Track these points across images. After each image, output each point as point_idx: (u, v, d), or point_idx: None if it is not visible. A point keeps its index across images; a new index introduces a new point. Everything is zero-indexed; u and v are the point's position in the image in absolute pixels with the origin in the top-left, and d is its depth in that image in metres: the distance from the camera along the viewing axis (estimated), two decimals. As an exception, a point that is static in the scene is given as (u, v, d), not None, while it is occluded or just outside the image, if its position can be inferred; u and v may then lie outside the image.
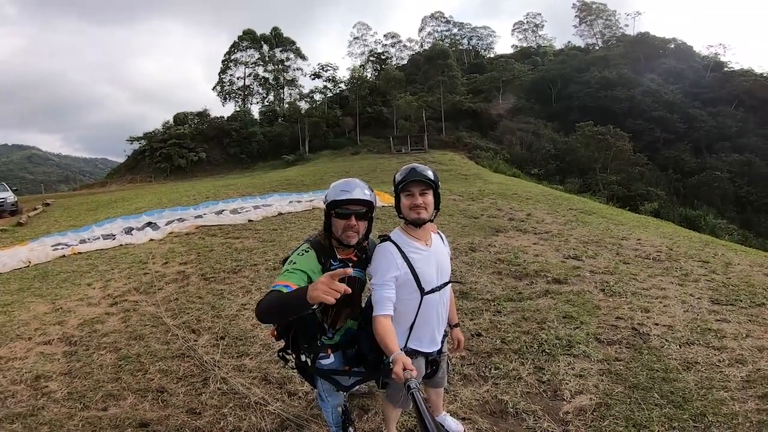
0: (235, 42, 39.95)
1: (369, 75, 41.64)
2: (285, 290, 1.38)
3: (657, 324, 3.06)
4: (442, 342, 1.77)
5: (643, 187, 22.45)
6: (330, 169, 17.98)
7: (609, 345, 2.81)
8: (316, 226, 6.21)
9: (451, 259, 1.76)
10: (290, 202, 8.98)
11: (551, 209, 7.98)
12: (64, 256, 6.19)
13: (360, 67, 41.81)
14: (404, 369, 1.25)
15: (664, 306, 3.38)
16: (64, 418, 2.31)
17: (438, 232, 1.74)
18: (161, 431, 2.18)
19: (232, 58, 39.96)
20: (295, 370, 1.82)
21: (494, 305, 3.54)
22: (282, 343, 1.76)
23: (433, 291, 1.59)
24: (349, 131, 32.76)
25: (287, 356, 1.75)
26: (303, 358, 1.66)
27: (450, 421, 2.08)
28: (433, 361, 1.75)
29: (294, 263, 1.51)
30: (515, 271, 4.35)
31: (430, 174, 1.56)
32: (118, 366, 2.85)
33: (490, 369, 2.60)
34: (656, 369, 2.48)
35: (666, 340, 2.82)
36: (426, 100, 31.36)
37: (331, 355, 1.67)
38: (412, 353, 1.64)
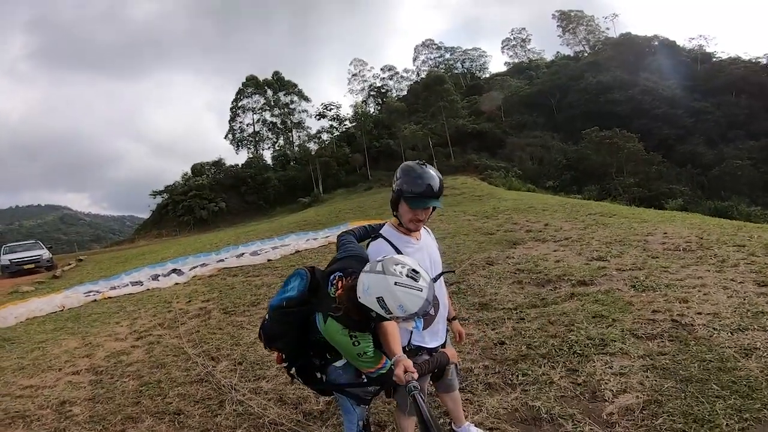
0: (240, 89, 41.39)
1: (371, 109, 42.47)
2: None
3: (700, 313, 2.82)
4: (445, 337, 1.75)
5: (664, 186, 21.67)
6: (345, 206, 18.05)
7: (649, 340, 2.59)
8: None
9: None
10: (307, 240, 9.21)
11: (569, 216, 7.75)
12: (95, 300, 6.54)
13: (362, 102, 42.61)
14: (405, 371, 1.25)
15: (704, 294, 3.13)
16: (84, 439, 2.32)
17: (424, 227, 1.74)
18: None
19: (239, 105, 41.19)
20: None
21: (517, 313, 3.38)
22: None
23: None
24: (359, 167, 33.35)
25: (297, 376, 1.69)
26: (318, 375, 1.61)
27: None
28: None
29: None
30: (537, 279, 4.17)
31: (441, 197, 1.56)
32: (139, 391, 2.94)
33: (518, 376, 2.43)
34: (709, 359, 2.25)
35: (714, 328, 2.58)
36: (430, 128, 32.00)
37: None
38: (417, 350, 1.62)
